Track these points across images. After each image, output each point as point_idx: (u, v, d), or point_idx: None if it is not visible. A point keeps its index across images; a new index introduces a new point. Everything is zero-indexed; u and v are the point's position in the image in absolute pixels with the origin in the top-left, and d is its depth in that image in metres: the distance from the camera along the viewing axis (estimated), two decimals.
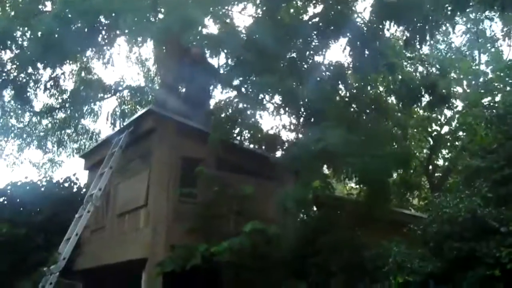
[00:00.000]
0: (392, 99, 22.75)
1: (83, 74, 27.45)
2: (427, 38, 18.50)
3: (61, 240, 17.38)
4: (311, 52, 19.97)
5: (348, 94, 20.51)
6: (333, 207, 17.92)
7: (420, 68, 25.64)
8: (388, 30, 19.20)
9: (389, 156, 16.83)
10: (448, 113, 26.14)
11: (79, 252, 18.83)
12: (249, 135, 19.39)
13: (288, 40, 18.59)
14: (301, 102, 18.18)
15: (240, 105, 18.82)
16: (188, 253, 15.58)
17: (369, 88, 21.67)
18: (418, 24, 18.05)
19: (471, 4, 17.76)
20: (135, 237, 17.31)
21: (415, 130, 27.98)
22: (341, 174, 18.29)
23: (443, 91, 20.73)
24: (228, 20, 21.95)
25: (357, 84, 20.89)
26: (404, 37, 19.61)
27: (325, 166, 18.82)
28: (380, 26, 19.10)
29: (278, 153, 19.37)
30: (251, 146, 19.52)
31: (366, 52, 18.74)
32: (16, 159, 31.29)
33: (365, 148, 16.05)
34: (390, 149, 17.79)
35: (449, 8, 16.90)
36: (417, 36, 18.31)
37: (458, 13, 19.40)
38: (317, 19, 20.12)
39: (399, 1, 17.10)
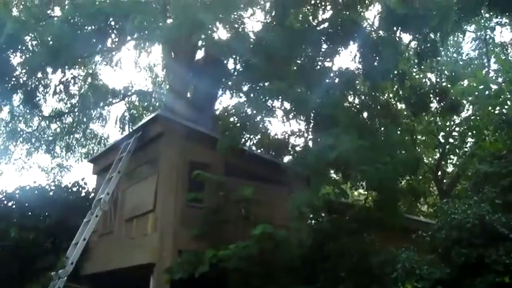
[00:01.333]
0: (401, 106, 22.70)
1: (91, 78, 27.54)
2: (440, 50, 18.49)
3: (69, 245, 17.37)
4: (320, 58, 19.94)
5: (358, 101, 20.48)
6: (342, 213, 17.86)
7: (430, 75, 25.66)
8: (397, 37, 19.10)
9: (399, 162, 16.76)
10: (457, 119, 26.08)
11: (87, 257, 18.82)
12: (257, 141, 19.37)
13: (297, 46, 18.57)
14: (311, 108, 18.13)
15: (249, 111, 18.83)
16: (196, 258, 15.59)
17: (378, 94, 21.62)
18: (427, 32, 18.03)
19: (480, 11, 17.80)
20: (143, 242, 17.31)
21: (424, 137, 27.92)
22: (354, 180, 18.20)
23: (453, 98, 20.72)
24: (237, 25, 21.97)
25: (367, 91, 20.84)
26: (417, 49, 19.60)
27: (337, 172, 18.78)
28: (390, 33, 19.06)
29: (287, 159, 19.29)
30: (260, 151, 19.47)
31: (376, 58, 18.69)
32: (25, 163, 31.36)
33: (376, 155, 16.01)
34: (400, 155, 17.71)
35: (458, 16, 16.94)
36: (429, 48, 18.29)
37: (468, 21, 19.45)
38: (326, 24, 20.10)
39: (407, 9, 17.06)
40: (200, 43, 21.02)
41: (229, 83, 20.86)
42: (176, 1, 20.34)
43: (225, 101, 25.03)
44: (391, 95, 23.16)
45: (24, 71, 22.13)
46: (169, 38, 19.05)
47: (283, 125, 20.00)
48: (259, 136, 19.08)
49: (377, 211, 16.85)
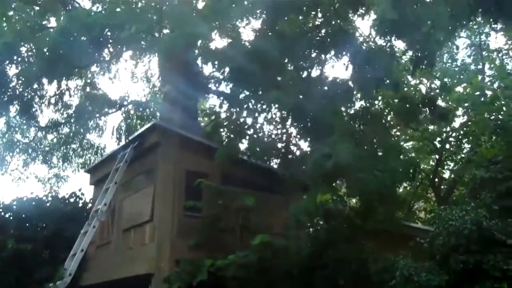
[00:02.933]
0: (392, 115, 22.75)
1: (88, 89, 27.51)
2: (435, 59, 18.53)
3: (67, 256, 17.33)
4: (313, 64, 19.99)
5: (352, 110, 20.50)
6: (340, 221, 17.86)
7: (420, 85, 25.80)
8: (389, 46, 19.13)
9: (395, 169, 16.79)
10: (453, 125, 26.16)
11: (84, 268, 18.80)
12: (254, 150, 19.40)
13: (290, 53, 18.62)
14: (307, 116, 18.15)
15: (246, 120, 18.88)
16: (194, 268, 15.58)
17: (370, 104, 21.66)
18: (421, 39, 18.08)
19: (473, 17, 17.85)
20: (140, 252, 17.29)
21: (419, 143, 27.99)
22: (352, 188, 18.19)
23: (443, 106, 20.79)
24: (233, 35, 22.01)
25: (361, 101, 20.86)
26: (412, 57, 19.64)
27: (334, 180, 18.77)
28: (384, 41, 19.11)
29: (285, 167, 19.28)
30: (257, 160, 19.47)
31: (368, 68, 18.71)
32: (22, 174, 31.26)
33: (373, 163, 16.04)
34: (397, 162, 17.74)
35: (451, 23, 16.99)
36: (425, 56, 18.33)
37: (461, 27, 19.50)
38: (315, 32, 20.15)
39: (399, 17, 17.12)
40: (196, 52, 21.01)
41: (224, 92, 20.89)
42: (172, 12, 20.37)
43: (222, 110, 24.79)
44: (382, 105, 23.20)
45: (20, 82, 22.09)
46: (165, 50, 19.05)
47: (279, 134, 19.87)
48: (257, 146, 19.12)
49: (369, 217, 16.84)
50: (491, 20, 18.71)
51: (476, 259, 12.66)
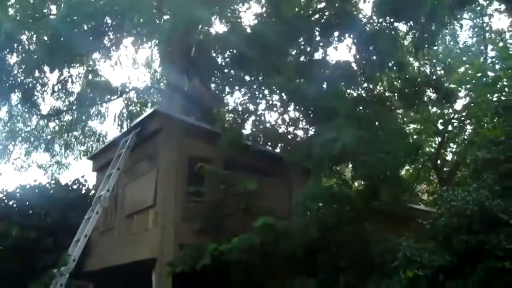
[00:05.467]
0: (395, 97, 22.68)
1: (89, 76, 27.49)
2: (437, 39, 18.42)
3: (71, 242, 17.41)
4: (316, 48, 19.93)
5: (355, 93, 20.46)
6: (343, 203, 17.89)
7: (424, 66, 25.67)
8: (391, 27, 19.04)
9: (399, 151, 16.80)
10: (455, 107, 26.09)
11: (88, 254, 18.90)
12: (258, 135, 19.41)
13: (292, 37, 18.55)
14: (309, 100, 18.12)
15: (249, 106, 18.86)
16: (197, 252, 15.63)
17: (373, 86, 21.59)
18: (422, 20, 18.01)
19: None
20: (144, 238, 17.36)
21: (421, 126, 27.93)
22: (357, 171, 18.18)
23: (447, 87, 20.71)
24: (234, 19, 21.96)
25: (365, 83, 20.78)
26: (414, 39, 19.56)
27: (339, 164, 18.79)
28: (385, 24, 19.03)
29: (289, 152, 19.29)
30: (260, 144, 19.49)
31: (372, 50, 18.65)
32: (24, 162, 31.40)
33: (377, 145, 16.03)
34: (400, 143, 17.74)
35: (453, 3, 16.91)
36: (426, 37, 18.26)
37: (463, 8, 19.39)
38: (319, 14, 20.08)
39: None
40: (197, 37, 20.97)
41: (226, 77, 20.87)
42: None
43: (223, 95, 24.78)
44: (385, 87, 23.13)
45: (21, 70, 22.10)
46: (166, 34, 19.00)
47: (282, 118, 19.87)
48: (259, 129, 19.13)
49: (373, 199, 16.85)
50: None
51: (478, 239, 12.69)
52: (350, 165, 19.03)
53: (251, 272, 15.45)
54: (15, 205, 21.13)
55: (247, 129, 19.47)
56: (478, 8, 28.44)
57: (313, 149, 16.12)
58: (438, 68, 26.39)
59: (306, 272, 15.63)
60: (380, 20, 19.24)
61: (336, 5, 19.60)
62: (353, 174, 18.99)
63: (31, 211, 20.86)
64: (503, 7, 25.70)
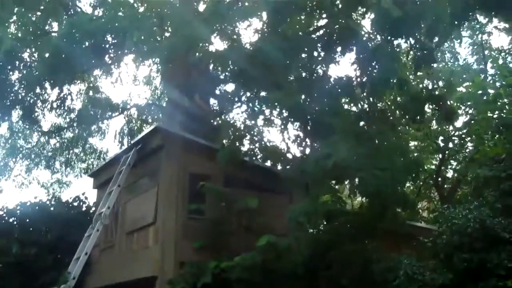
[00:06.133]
0: (398, 113, 22.71)
1: (90, 93, 27.57)
2: (436, 56, 18.46)
3: (71, 260, 17.37)
4: (318, 65, 19.97)
5: (356, 108, 20.47)
6: (343, 221, 17.86)
7: (426, 81, 25.71)
8: (391, 44, 19.11)
9: (399, 168, 16.78)
10: (456, 124, 26.12)
11: (89, 271, 18.83)
12: (257, 151, 19.40)
13: (294, 54, 18.61)
14: (309, 116, 18.15)
15: (248, 122, 18.87)
16: (198, 270, 15.59)
17: (375, 101, 21.61)
18: (422, 37, 18.08)
19: (473, 15, 17.82)
20: (144, 255, 17.31)
21: (422, 143, 27.95)
22: (352, 188, 18.18)
23: (449, 105, 20.74)
24: (234, 36, 22.02)
25: (366, 99, 20.80)
26: (414, 56, 19.63)
27: (334, 180, 18.75)
28: (385, 39, 19.08)
29: (287, 168, 19.29)
30: (259, 161, 19.49)
31: (375, 66, 18.69)
32: (25, 179, 31.37)
33: (375, 161, 16.02)
34: (400, 161, 17.74)
35: (451, 20, 17.00)
36: (426, 54, 18.33)
37: (461, 25, 19.49)
38: (321, 32, 20.14)
39: (400, 12, 17.11)
40: (197, 54, 21.04)
41: (226, 94, 20.91)
42: (173, 15, 20.39)
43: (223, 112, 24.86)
44: (388, 102, 23.15)
45: (22, 87, 22.17)
46: (167, 53, 19.07)
47: (281, 134, 19.87)
48: (258, 146, 19.12)
49: (375, 217, 16.82)
50: (492, 13, 18.70)
51: (480, 257, 12.64)
52: (347, 181, 18.98)
53: None
54: (15, 222, 21.13)
55: (246, 146, 19.47)
56: (478, 25, 28.61)
57: (307, 165, 16.11)
58: (439, 85, 26.43)
59: None
60: (380, 36, 19.29)
61: (338, 21, 19.65)
62: (350, 191, 18.95)
63: (31, 228, 20.85)
64: (502, 24, 25.82)
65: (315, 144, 18.71)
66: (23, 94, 22.43)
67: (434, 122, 25.31)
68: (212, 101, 22.25)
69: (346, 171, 15.87)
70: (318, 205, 16.12)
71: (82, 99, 27.32)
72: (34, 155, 28.98)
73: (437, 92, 22.26)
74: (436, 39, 18.62)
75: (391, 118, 21.00)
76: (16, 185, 31.21)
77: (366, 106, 20.36)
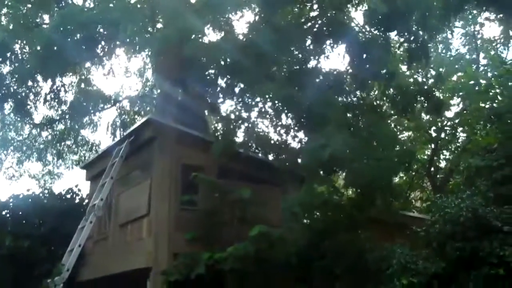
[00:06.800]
0: (387, 105, 22.77)
1: (82, 85, 27.47)
2: (430, 49, 18.48)
3: (64, 252, 17.34)
4: (309, 57, 19.97)
5: (347, 100, 20.50)
6: (337, 211, 17.92)
7: (416, 75, 25.80)
8: (385, 37, 19.13)
9: (392, 158, 16.85)
10: (449, 114, 26.24)
11: (82, 263, 18.82)
12: (251, 143, 19.42)
13: (285, 45, 18.60)
14: (301, 108, 18.16)
15: (242, 113, 18.87)
16: (192, 261, 15.61)
17: (365, 94, 21.65)
18: (415, 30, 18.11)
19: (467, 6, 17.85)
20: (138, 247, 17.32)
21: (414, 133, 28.04)
22: (348, 178, 18.21)
23: (438, 97, 20.81)
24: (227, 28, 22.00)
25: (356, 91, 20.83)
26: (407, 50, 19.66)
27: (329, 171, 18.79)
28: (377, 33, 19.10)
29: (281, 159, 19.31)
30: (253, 153, 19.51)
31: (365, 59, 18.70)
32: (16, 171, 31.34)
33: (369, 152, 16.08)
34: (393, 151, 17.80)
35: (444, 12, 17.04)
36: (419, 48, 18.36)
37: (454, 17, 19.52)
38: (312, 23, 20.13)
39: (390, 8, 17.12)
40: (190, 47, 21.00)
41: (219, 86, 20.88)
42: (165, 6, 20.33)
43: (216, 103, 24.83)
44: (378, 94, 23.20)
45: (14, 79, 22.08)
46: (159, 44, 19.02)
47: (275, 126, 19.85)
48: (251, 137, 19.13)
49: (368, 208, 16.90)
50: (483, 8, 18.75)
51: (472, 246, 12.74)
52: (342, 172, 19.04)
53: (246, 280, 15.44)
54: (8, 215, 21.02)
55: (240, 137, 19.49)
56: (470, 16, 28.68)
57: (302, 156, 16.14)
58: (430, 76, 26.51)
59: (301, 280, 15.62)
60: (372, 29, 19.32)
61: (329, 13, 19.64)
62: (345, 181, 19.01)
63: (24, 221, 20.74)
64: (493, 15, 25.88)
65: (309, 136, 18.71)
66: (15, 86, 22.37)
67: (424, 113, 25.35)
68: (205, 93, 22.21)
69: (340, 162, 15.91)
70: (314, 196, 16.17)
71: (74, 91, 27.20)
72: (26, 147, 28.92)
73: (428, 84, 22.36)
74: (429, 32, 18.63)
75: (380, 110, 21.09)
76: (7, 177, 31.23)
77: (356, 98, 20.42)
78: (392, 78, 19.41)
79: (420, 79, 25.63)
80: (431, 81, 25.02)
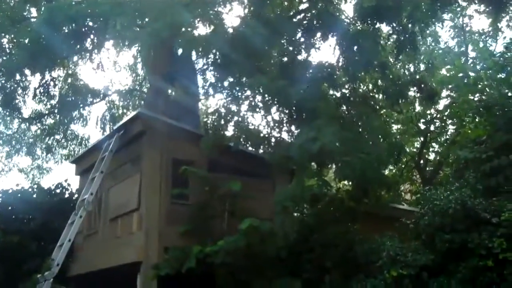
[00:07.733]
0: (380, 97, 22.83)
1: (71, 79, 27.32)
2: (418, 41, 18.53)
3: (54, 247, 17.28)
4: (299, 50, 19.98)
5: (338, 93, 20.53)
6: (326, 204, 17.97)
7: (408, 65, 25.87)
8: (373, 28, 19.16)
9: (382, 151, 16.90)
10: (438, 107, 26.31)
11: (72, 258, 18.85)
12: (241, 136, 19.39)
13: (275, 38, 18.59)
14: (292, 101, 18.15)
15: (231, 107, 18.84)
16: (183, 255, 15.60)
17: (357, 86, 21.69)
18: (405, 22, 18.16)
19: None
20: (128, 241, 17.28)
21: (404, 126, 28.13)
22: (338, 171, 18.23)
23: (430, 87, 20.88)
24: (216, 21, 21.92)
25: (348, 83, 20.85)
26: (396, 41, 19.70)
27: (320, 164, 18.82)
28: (367, 25, 19.14)
29: (271, 153, 19.30)
30: (243, 146, 19.48)
31: (356, 50, 18.73)
32: (5, 166, 31.23)
33: (359, 145, 16.11)
34: (382, 144, 17.86)
35: (433, 4, 17.10)
36: (408, 39, 18.42)
37: (444, 9, 19.59)
38: (302, 15, 20.14)
39: (378, 1, 17.16)
40: (180, 41, 20.94)
41: (210, 79, 20.90)
42: (154, 1, 20.24)
43: (206, 97, 24.84)
44: (370, 86, 23.26)
45: (2, 74, 21.95)
46: (149, 38, 18.94)
47: (265, 119, 19.84)
48: (241, 131, 19.11)
49: (358, 200, 16.96)
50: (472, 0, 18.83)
51: (461, 238, 12.83)
52: (333, 166, 19.07)
53: (237, 274, 15.48)
54: None
55: (230, 131, 19.46)
56: (458, 9, 28.76)
57: (293, 149, 16.14)
58: (421, 67, 26.61)
59: (292, 273, 15.66)
60: (362, 21, 19.34)
61: (319, 6, 19.64)
62: (335, 174, 19.04)
63: (13, 216, 20.69)
64: (482, 7, 25.97)
65: (299, 129, 18.71)
66: (3, 81, 22.25)
67: (416, 104, 25.46)
68: (195, 87, 22.18)
69: (331, 155, 15.94)
70: (304, 189, 16.18)
71: (62, 85, 27.06)
72: (15, 141, 28.81)
73: (418, 76, 22.43)
74: (416, 24, 18.68)
75: (372, 102, 21.13)
76: None
77: (347, 91, 20.45)
78: (384, 68, 19.46)
79: (411, 70, 25.75)
80: (422, 72, 25.11)
